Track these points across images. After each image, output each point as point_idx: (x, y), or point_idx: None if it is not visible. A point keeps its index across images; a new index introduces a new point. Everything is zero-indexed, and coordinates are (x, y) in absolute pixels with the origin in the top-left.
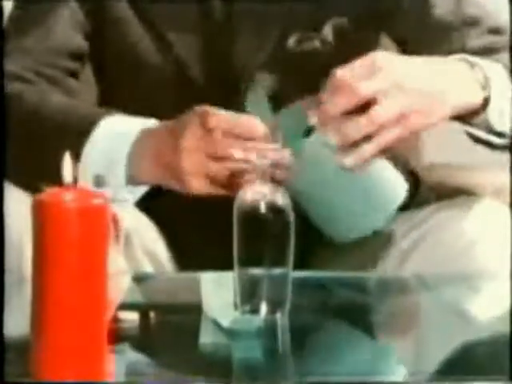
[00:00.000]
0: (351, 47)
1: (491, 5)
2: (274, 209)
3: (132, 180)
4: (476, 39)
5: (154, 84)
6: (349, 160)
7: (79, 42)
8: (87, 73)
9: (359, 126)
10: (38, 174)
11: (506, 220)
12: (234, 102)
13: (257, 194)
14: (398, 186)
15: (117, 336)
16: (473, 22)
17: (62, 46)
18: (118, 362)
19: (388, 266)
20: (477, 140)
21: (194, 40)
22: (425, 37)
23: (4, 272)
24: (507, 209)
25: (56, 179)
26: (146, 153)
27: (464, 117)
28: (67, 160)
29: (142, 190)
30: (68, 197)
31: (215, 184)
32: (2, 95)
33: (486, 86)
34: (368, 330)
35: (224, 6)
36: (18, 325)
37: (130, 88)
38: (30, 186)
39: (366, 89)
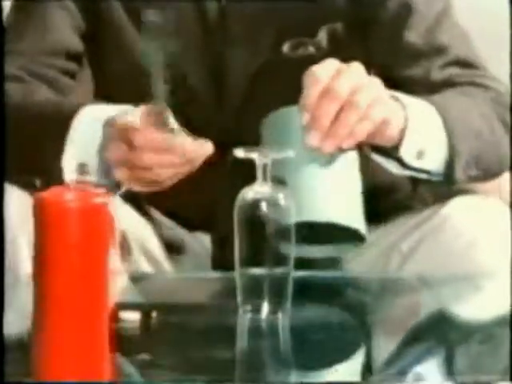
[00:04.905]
0: (345, 53)
1: (466, 36)
2: (275, 208)
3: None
4: (439, 70)
5: (149, 85)
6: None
7: (76, 42)
8: (84, 72)
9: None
10: (26, 169)
11: (506, 220)
12: (227, 104)
13: (258, 193)
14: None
15: (118, 336)
16: (440, 50)
17: (59, 47)
18: None
19: (389, 267)
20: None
21: (189, 44)
22: (392, 59)
23: (4, 272)
24: (507, 209)
25: (44, 174)
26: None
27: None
28: (70, 159)
29: None
30: (69, 196)
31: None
32: (2, 95)
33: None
34: (369, 329)
35: (219, 11)
36: (14, 324)
37: (124, 88)
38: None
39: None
